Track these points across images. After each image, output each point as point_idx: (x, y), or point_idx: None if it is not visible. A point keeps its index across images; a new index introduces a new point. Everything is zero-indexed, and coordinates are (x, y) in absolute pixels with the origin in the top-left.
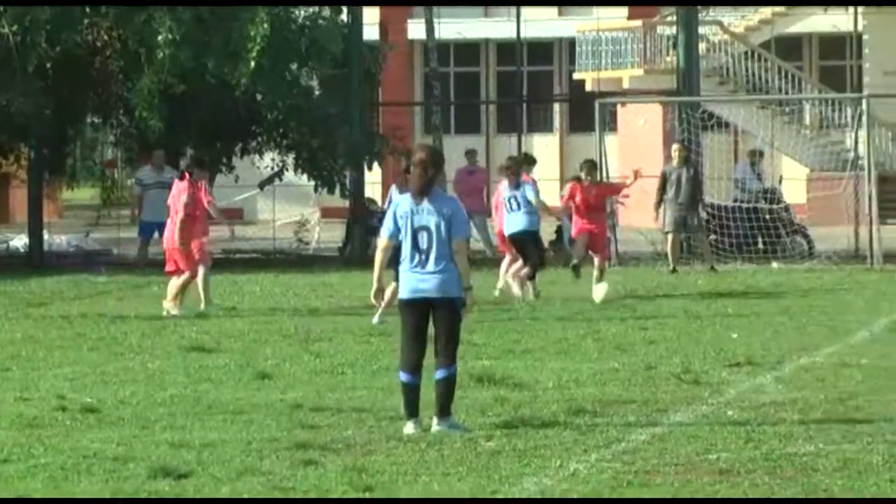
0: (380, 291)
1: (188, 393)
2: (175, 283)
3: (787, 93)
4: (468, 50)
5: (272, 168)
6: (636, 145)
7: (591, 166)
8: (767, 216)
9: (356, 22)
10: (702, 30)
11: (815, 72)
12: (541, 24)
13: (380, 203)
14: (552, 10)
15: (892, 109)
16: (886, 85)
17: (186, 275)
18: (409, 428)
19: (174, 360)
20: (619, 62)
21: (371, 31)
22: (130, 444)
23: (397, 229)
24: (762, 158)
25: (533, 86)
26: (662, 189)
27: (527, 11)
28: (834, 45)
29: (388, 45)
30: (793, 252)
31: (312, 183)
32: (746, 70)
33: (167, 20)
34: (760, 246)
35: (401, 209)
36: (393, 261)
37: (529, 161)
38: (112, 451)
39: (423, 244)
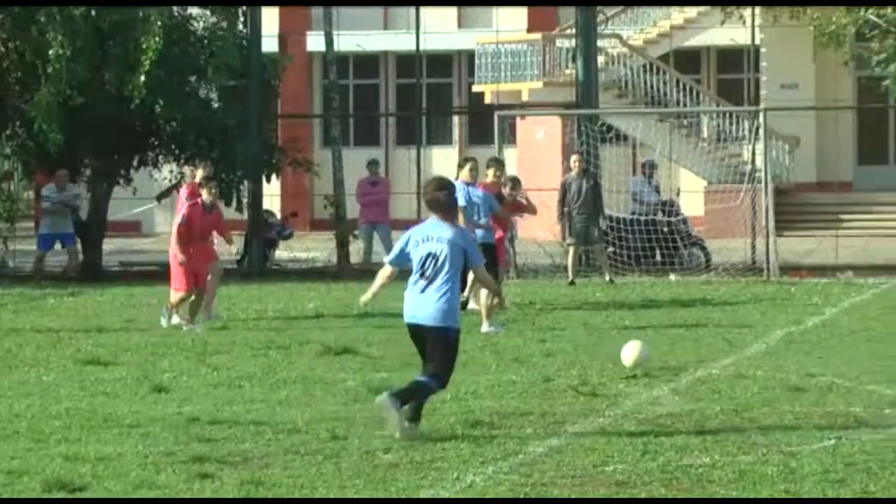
0: (370, 300)
1: (84, 406)
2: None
3: (685, 105)
4: (367, 62)
5: (170, 180)
6: (535, 157)
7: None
8: (665, 228)
9: (255, 34)
10: (601, 43)
11: (713, 85)
12: (440, 36)
13: (279, 216)
14: (452, 23)
15: (789, 122)
16: (783, 98)
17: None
18: (383, 396)
19: (70, 373)
20: (519, 75)
21: (270, 44)
22: (25, 457)
23: (403, 256)
24: (656, 170)
25: (432, 98)
26: (563, 200)
27: (426, 24)
28: (731, 58)
29: (287, 56)
30: (690, 264)
31: None
32: (645, 83)
33: (59, 34)
34: (658, 258)
35: (415, 236)
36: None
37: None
38: (6, 465)
39: (429, 271)
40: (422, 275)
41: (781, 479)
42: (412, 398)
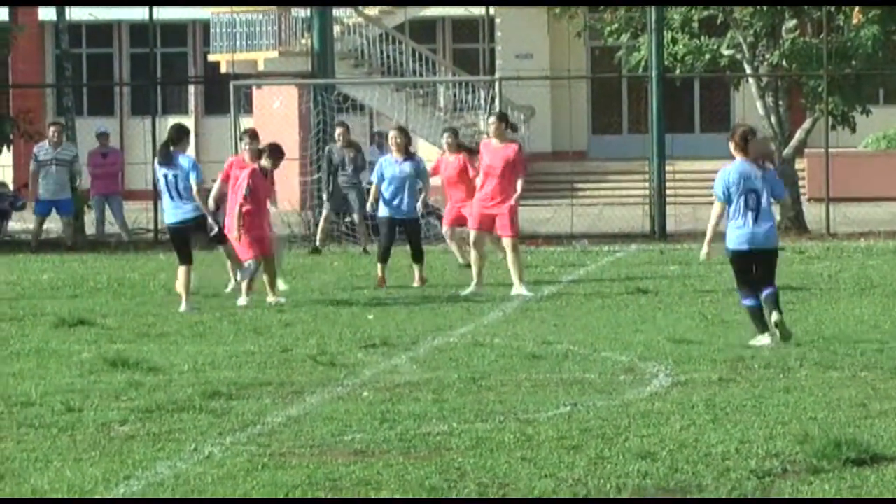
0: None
1: None
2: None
3: (421, 75)
4: (101, 31)
5: None
6: (272, 127)
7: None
8: None
9: None
10: (336, 12)
11: (449, 55)
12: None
13: (12, 186)
14: None
15: (524, 92)
16: (517, 68)
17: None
18: (761, 340)
19: None
20: (254, 44)
21: (0, 13)
22: None
23: (729, 193)
24: (387, 140)
25: (167, 68)
26: (328, 169)
27: None
28: (467, 28)
29: (18, 26)
30: (428, 233)
31: None
32: (381, 52)
33: None
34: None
35: (732, 176)
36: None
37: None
38: None
39: (753, 203)
40: (746, 207)
41: (518, 446)
42: (777, 306)
